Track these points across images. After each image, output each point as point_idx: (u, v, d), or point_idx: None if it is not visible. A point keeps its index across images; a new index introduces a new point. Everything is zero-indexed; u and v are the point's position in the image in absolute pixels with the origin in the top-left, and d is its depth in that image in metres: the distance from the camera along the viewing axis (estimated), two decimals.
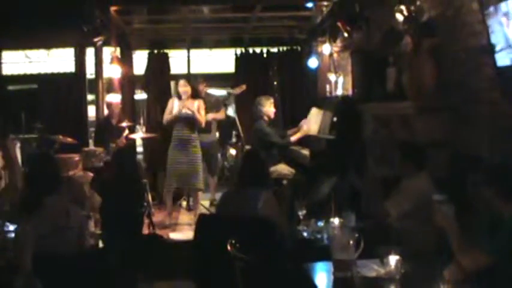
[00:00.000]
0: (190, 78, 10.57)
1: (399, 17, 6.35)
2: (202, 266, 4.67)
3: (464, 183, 3.70)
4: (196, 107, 8.41)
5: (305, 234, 4.86)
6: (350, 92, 9.01)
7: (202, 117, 8.46)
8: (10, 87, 9.99)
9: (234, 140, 11.73)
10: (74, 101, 10.36)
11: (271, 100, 9.04)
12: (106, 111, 9.36)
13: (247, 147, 9.00)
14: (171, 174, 8.48)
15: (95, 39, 8.94)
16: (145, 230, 7.83)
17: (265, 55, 11.60)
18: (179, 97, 8.48)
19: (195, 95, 8.59)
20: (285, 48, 11.60)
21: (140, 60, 11.48)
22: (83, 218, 4.87)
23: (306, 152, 8.77)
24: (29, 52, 12.65)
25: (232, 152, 11.74)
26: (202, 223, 4.91)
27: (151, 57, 11.30)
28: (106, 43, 9.56)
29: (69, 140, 8.67)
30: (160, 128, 9.83)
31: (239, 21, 10.88)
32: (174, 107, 8.47)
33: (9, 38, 9.78)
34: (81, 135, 9.80)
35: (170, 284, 6.33)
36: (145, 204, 8.26)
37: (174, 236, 7.96)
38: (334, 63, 9.97)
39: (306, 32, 11.12)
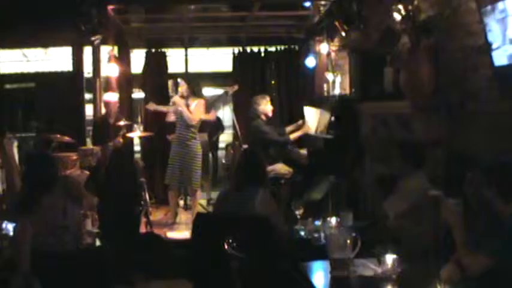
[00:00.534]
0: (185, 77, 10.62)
1: (397, 16, 6.35)
2: (200, 265, 4.67)
3: (462, 182, 3.70)
4: (193, 106, 8.41)
5: (302, 233, 4.86)
6: (347, 92, 9.02)
7: (194, 115, 8.44)
8: (7, 86, 9.97)
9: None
10: (71, 100, 10.33)
11: (268, 98, 9.02)
12: (104, 110, 9.36)
13: (245, 146, 8.99)
14: (170, 172, 8.51)
15: (93, 38, 8.92)
16: (143, 229, 7.83)
17: (262, 54, 11.58)
18: (180, 96, 8.51)
19: (195, 94, 8.61)
20: (282, 47, 11.58)
21: (138, 59, 11.46)
22: (80, 216, 4.87)
23: (303, 151, 8.77)
24: (26, 51, 12.61)
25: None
26: (199, 222, 4.91)
27: (148, 56, 11.29)
28: (104, 42, 9.55)
29: (67, 138, 8.68)
30: (157, 127, 9.83)
31: (237, 20, 10.88)
32: (174, 106, 8.50)
33: (7, 36, 9.76)
34: (79, 134, 9.79)
35: (167, 282, 6.33)
36: (142, 203, 8.26)
37: (172, 235, 7.97)
38: (332, 62, 9.97)
39: (304, 31, 11.11)
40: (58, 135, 8.60)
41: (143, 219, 7.93)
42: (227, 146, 11.16)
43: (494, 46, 4.68)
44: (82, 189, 7.36)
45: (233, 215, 4.79)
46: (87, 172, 8.13)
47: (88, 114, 10.48)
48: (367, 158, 7.34)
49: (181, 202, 9.80)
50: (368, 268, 3.60)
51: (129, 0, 9.49)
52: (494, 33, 4.66)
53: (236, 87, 9.67)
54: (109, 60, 9.87)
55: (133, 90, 11.35)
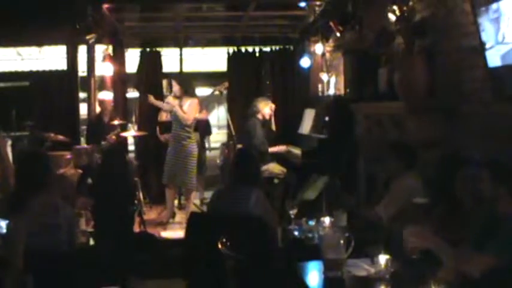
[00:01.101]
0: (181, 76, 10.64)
1: (392, 17, 6.36)
2: (193, 265, 4.67)
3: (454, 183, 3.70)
4: (186, 105, 8.41)
5: (296, 233, 4.86)
6: (342, 92, 9.03)
7: (188, 114, 8.44)
8: (1, 85, 9.95)
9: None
10: (65, 99, 10.32)
11: (269, 103, 9.11)
12: (98, 109, 9.35)
13: (239, 146, 9.00)
14: (165, 171, 8.53)
15: (87, 37, 8.91)
16: (137, 229, 7.82)
17: (257, 54, 11.57)
18: (174, 96, 8.51)
19: (187, 93, 8.59)
20: (277, 47, 11.58)
21: (132, 59, 11.46)
22: (73, 215, 4.85)
23: (297, 151, 8.78)
24: (20, 49, 12.63)
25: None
26: (193, 221, 4.91)
27: (143, 56, 11.27)
28: (98, 41, 9.54)
29: (61, 137, 8.68)
30: (151, 126, 9.83)
31: (232, 20, 10.88)
32: (169, 106, 8.51)
33: (1, 34, 9.74)
34: (73, 133, 9.78)
35: (161, 282, 6.32)
36: (136, 202, 8.25)
37: (165, 234, 7.96)
38: (327, 62, 9.99)
39: (299, 31, 11.12)
40: (52, 134, 8.60)
41: (137, 219, 7.93)
42: (221, 145, 11.15)
43: (487, 46, 4.70)
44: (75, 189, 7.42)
45: (227, 214, 4.79)
46: (80, 171, 8.13)
47: (82, 113, 10.46)
48: (361, 158, 7.36)
49: (176, 202, 9.79)
50: (361, 268, 3.61)
51: None
52: (488, 34, 4.68)
53: (226, 85, 9.68)
54: (104, 59, 9.86)
55: (128, 89, 11.32)
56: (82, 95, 10.61)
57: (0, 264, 3.74)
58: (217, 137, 13.98)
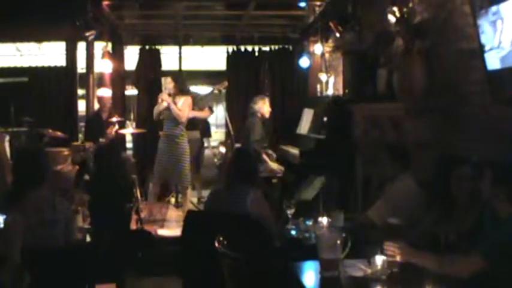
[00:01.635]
0: (176, 74, 10.64)
1: (391, 18, 6.38)
2: (190, 263, 4.67)
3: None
4: (181, 103, 8.40)
5: (293, 233, 4.86)
6: (341, 92, 9.04)
7: (182, 112, 8.44)
8: (0, 80, 9.94)
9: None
10: (64, 95, 10.34)
11: (266, 100, 9.13)
12: (97, 106, 9.35)
13: (237, 145, 9.01)
14: (156, 168, 8.50)
15: (87, 34, 8.92)
16: (134, 226, 7.82)
17: (256, 53, 11.60)
18: (168, 93, 8.49)
19: (182, 91, 8.59)
20: (276, 47, 11.60)
21: (131, 56, 11.46)
22: (70, 212, 4.85)
23: (295, 151, 8.79)
24: (20, 45, 12.62)
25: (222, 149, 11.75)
26: (190, 220, 4.91)
27: (142, 53, 11.28)
28: (98, 38, 9.55)
29: (59, 134, 8.68)
30: (150, 124, 9.82)
31: (232, 19, 10.88)
32: (163, 104, 8.48)
33: (0, 30, 9.74)
34: (71, 130, 9.81)
35: (157, 280, 6.33)
36: (133, 199, 8.25)
37: (162, 232, 7.96)
38: (326, 63, 10.00)
39: (298, 31, 11.13)
40: (50, 130, 8.59)
41: (134, 216, 7.92)
42: (219, 144, 11.15)
43: (487, 48, 4.70)
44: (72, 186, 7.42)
45: (224, 213, 4.79)
46: (77, 167, 8.13)
47: (81, 109, 10.47)
48: (359, 159, 7.37)
49: (173, 200, 9.80)
50: (358, 269, 3.60)
51: None
52: (487, 36, 4.68)
53: (226, 83, 9.68)
54: (103, 56, 9.85)
55: (127, 86, 11.33)
56: (81, 91, 10.62)
57: None
58: (216, 136, 13.98)
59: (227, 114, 9.75)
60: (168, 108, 8.34)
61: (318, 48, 9.83)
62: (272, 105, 9.48)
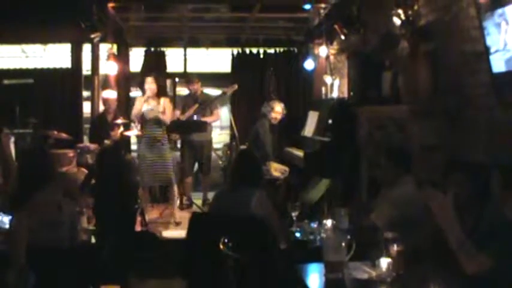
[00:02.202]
0: (185, 76, 10.68)
1: (396, 21, 6.38)
2: (194, 265, 4.67)
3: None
4: (162, 106, 8.42)
5: (298, 235, 4.86)
6: (346, 95, 9.04)
7: (168, 116, 8.50)
8: (5, 82, 9.96)
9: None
10: (69, 97, 10.37)
11: (282, 107, 9.18)
12: (102, 108, 9.37)
13: (242, 147, 9.02)
14: (143, 172, 8.46)
15: (92, 36, 8.94)
16: (138, 228, 7.82)
17: (261, 56, 11.61)
18: (149, 95, 8.47)
19: (161, 93, 8.61)
20: (281, 49, 11.61)
21: (137, 58, 11.47)
22: (75, 213, 4.87)
23: (300, 153, 8.79)
24: (25, 47, 12.64)
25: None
26: (195, 222, 4.91)
27: (147, 55, 11.30)
28: (103, 40, 9.56)
29: (64, 135, 8.70)
30: None
31: (237, 21, 10.89)
32: (143, 105, 8.47)
33: (6, 32, 9.77)
34: (76, 131, 9.82)
35: (162, 281, 6.33)
36: (138, 201, 8.25)
37: (167, 233, 7.96)
38: (331, 65, 10.00)
39: (303, 33, 11.13)
40: (55, 132, 8.61)
41: (138, 218, 7.92)
42: (224, 146, 11.15)
43: (492, 50, 4.70)
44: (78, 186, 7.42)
45: (229, 215, 4.79)
46: (83, 169, 8.14)
47: (86, 111, 10.48)
48: (364, 162, 7.36)
49: (177, 201, 9.79)
50: (363, 271, 3.60)
51: None
52: (492, 38, 4.68)
53: (236, 87, 9.68)
54: (108, 58, 9.86)
55: (132, 88, 11.34)
56: (86, 93, 10.63)
57: (3, 260, 3.76)
58: (220, 138, 13.96)
59: (232, 116, 9.74)
60: (152, 110, 8.35)
61: (322, 50, 9.82)
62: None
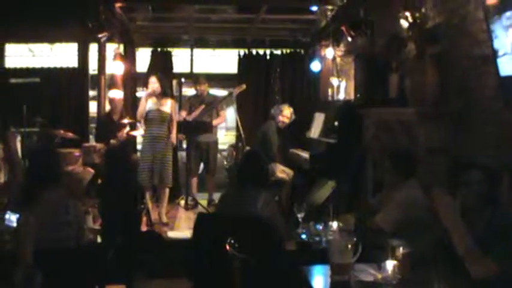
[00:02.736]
0: (192, 76, 10.71)
1: (404, 23, 6.37)
2: (200, 265, 4.67)
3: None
4: (169, 106, 8.45)
5: (303, 236, 4.86)
6: (352, 97, 9.03)
7: (176, 117, 8.61)
8: (13, 80, 9.99)
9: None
10: (75, 96, 10.38)
11: (291, 111, 9.19)
12: (108, 107, 9.38)
13: (248, 148, 9.03)
14: (143, 171, 8.43)
15: (99, 35, 8.95)
16: (144, 228, 7.84)
17: (268, 57, 11.62)
18: (151, 94, 8.47)
19: (167, 93, 8.61)
20: (288, 50, 11.62)
21: (143, 58, 11.49)
22: (82, 212, 4.88)
23: (306, 154, 8.79)
24: (32, 46, 12.67)
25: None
26: (200, 222, 4.91)
27: (154, 55, 11.31)
28: (110, 39, 9.58)
29: (70, 135, 8.71)
30: None
31: (243, 22, 10.90)
32: (148, 104, 8.48)
33: (13, 31, 9.80)
34: (82, 131, 9.83)
35: (167, 282, 6.33)
36: (144, 201, 8.27)
37: (172, 234, 7.96)
38: (337, 67, 10.00)
39: (310, 35, 11.14)
40: (62, 131, 8.64)
41: (144, 218, 7.94)
42: (229, 147, 11.16)
43: (500, 53, 4.69)
44: (84, 185, 7.44)
45: (235, 216, 4.79)
46: (89, 169, 8.16)
47: (92, 111, 10.50)
48: (370, 164, 7.36)
49: (182, 202, 9.80)
50: (368, 273, 3.60)
51: None
52: (500, 41, 4.67)
53: (244, 87, 9.69)
54: (114, 57, 9.89)
55: (138, 88, 11.35)
56: (92, 92, 10.65)
57: (10, 259, 3.77)
58: (225, 139, 13.97)
59: (238, 116, 9.75)
60: (156, 109, 8.36)
61: (329, 52, 9.83)
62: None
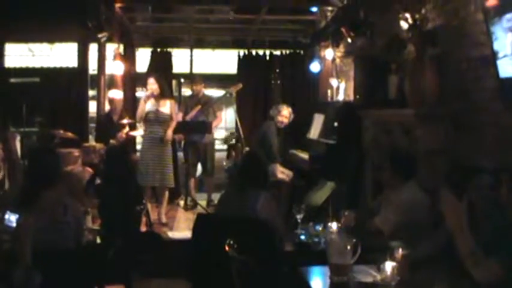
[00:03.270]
0: (191, 77, 10.69)
1: (403, 24, 6.37)
2: (199, 266, 4.67)
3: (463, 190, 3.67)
4: (169, 107, 8.46)
5: (303, 237, 4.87)
6: (351, 98, 9.04)
7: (175, 118, 8.63)
8: (12, 80, 10.00)
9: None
10: (75, 96, 10.38)
11: (290, 111, 9.18)
12: (108, 107, 9.39)
13: (247, 148, 9.03)
14: (143, 172, 8.40)
15: (99, 35, 8.94)
16: (143, 228, 7.83)
17: (267, 57, 11.62)
18: (150, 95, 8.46)
19: (167, 93, 8.61)
20: (287, 51, 11.62)
21: (143, 58, 11.49)
22: (81, 213, 4.88)
23: (305, 155, 8.79)
24: (32, 45, 12.68)
25: None
26: (200, 223, 4.91)
27: (154, 55, 11.31)
28: (109, 39, 9.57)
29: (70, 135, 8.71)
30: None
31: (243, 23, 10.90)
32: (147, 105, 8.48)
33: (13, 30, 9.80)
34: (82, 131, 9.83)
35: (166, 282, 6.34)
36: (144, 201, 8.26)
37: (172, 234, 7.96)
38: (337, 68, 10.00)
39: (310, 36, 11.13)
40: (61, 131, 8.63)
41: (143, 218, 7.94)
42: (229, 147, 11.16)
43: (500, 55, 4.69)
44: (83, 185, 7.43)
45: (234, 217, 4.79)
46: (89, 169, 8.15)
47: (91, 111, 10.50)
48: (369, 165, 7.36)
49: (182, 202, 9.81)
50: (368, 274, 3.61)
51: None
52: (500, 43, 4.67)
53: (240, 86, 9.70)
54: (114, 58, 9.89)
55: (138, 89, 11.35)
56: (92, 92, 10.65)
57: (9, 260, 3.76)
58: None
59: (237, 117, 9.75)
60: (155, 110, 8.37)
61: (329, 53, 9.83)
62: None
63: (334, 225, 4.75)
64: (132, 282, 5.67)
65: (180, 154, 10.43)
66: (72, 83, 10.38)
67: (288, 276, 4.12)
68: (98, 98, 9.87)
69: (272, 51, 11.64)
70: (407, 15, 6.30)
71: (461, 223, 3.30)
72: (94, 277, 4.31)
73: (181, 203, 9.81)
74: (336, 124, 8.31)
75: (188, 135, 9.55)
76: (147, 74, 10.97)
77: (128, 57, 10.59)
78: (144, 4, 10.01)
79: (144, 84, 11.02)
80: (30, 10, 9.38)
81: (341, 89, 9.66)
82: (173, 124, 8.52)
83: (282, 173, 8.82)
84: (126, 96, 10.09)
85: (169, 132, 8.48)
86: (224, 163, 11.23)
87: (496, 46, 4.72)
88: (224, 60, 13.22)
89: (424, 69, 6.00)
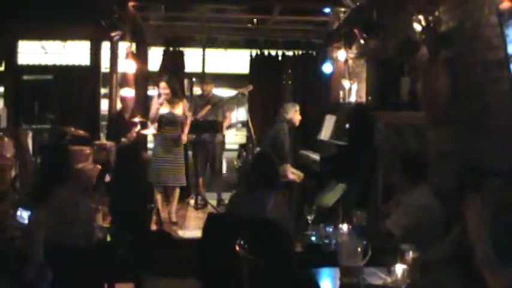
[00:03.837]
0: (203, 77, 10.70)
1: (417, 26, 6.35)
2: (209, 265, 4.67)
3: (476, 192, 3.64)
4: (181, 108, 8.48)
5: (313, 238, 4.86)
6: (363, 99, 9.01)
7: (188, 119, 8.64)
8: (25, 77, 10.04)
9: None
10: (87, 94, 10.42)
11: (297, 108, 9.14)
12: (119, 106, 9.40)
13: (258, 148, 9.02)
14: (156, 172, 8.40)
15: (112, 34, 8.97)
16: (153, 227, 7.85)
17: (280, 58, 11.61)
18: (163, 101, 8.46)
19: (177, 95, 8.61)
20: (300, 52, 11.60)
21: (155, 57, 11.51)
22: (92, 210, 4.90)
23: (316, 156, 8.77)
24: (45, 43, 12.73)
25: None
26: (210, 222, 4.91)
27: (166, 54, 11.33)
28: (122, 38, 9.59)
29: (81, 132, 8.73)
30: None
31: (256, 23, 10.89)
32: (161, 109, 8.48)
33: (27, 28, 9.85)
34: (93, 129, 9.86)
35: (176, 281, 6.34)
36: (155, 200, 8.28)
37: (182, 233, 7.97)
38: (349, 69, 9.97)
39: (322, 37, 11.12)
40: (72, 128, 8.65)
41: (154, 217, 7.95)
42: (240, 147, 11.16)
43: None
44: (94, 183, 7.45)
45: (245, 217, 4.79)
46: (98, 166, 8.17)
47: (103, 109, 10.53)
48: (380, 167, 7.33)
49: (192, 201, 9.81)
50: (378, 277, 3.60)
51: None
52: None
53: (251, 87, 9.69)
54: (126, 56, 9.90)
55: (149, 87, 11.38)
56: (104, 90, 10.68)
57: (21, 256, 3.78)
58: (236, 139, 13.98)
59: (249, 117, 9.75)
60: (169, 113, 8.38)
61: (341, 54, 9.82)
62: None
63: (344, 227, 4.75)
64: (141, 281, 5.68)
65: (190, 153, 10.44)
66: (84, 81, 10.41)
67: (298, 277, 4.11)
68: (110, 96, 9.89)
69: (284, 51, 11.63)
70: (421, 17, 6.27)
71: (483, 231, 3.27)
72: (104, 275, 4.33)
73: (192, 202, 9.81)
74: (347, 125, 8.28)
75: (198, 134, 9.56)
76: (159, 73, 11.01)
77: (140, 55, 10.61)
78: (158, 3, 10.02)
79: (155, 83, 11.09)
80: (43, 8, 9.42)
81: (353, 91, 9.63)
82: (188, 125, 8.52)
83: (293, 173, 8.81)
84: (137, 95, 10.11)
85: (185, 134, 8.50)
86: (235, 162, 11.23)
87: (510, 49, 4.70)
88: (236, 60, 13.23)
89: (437, 72, 5.98)
